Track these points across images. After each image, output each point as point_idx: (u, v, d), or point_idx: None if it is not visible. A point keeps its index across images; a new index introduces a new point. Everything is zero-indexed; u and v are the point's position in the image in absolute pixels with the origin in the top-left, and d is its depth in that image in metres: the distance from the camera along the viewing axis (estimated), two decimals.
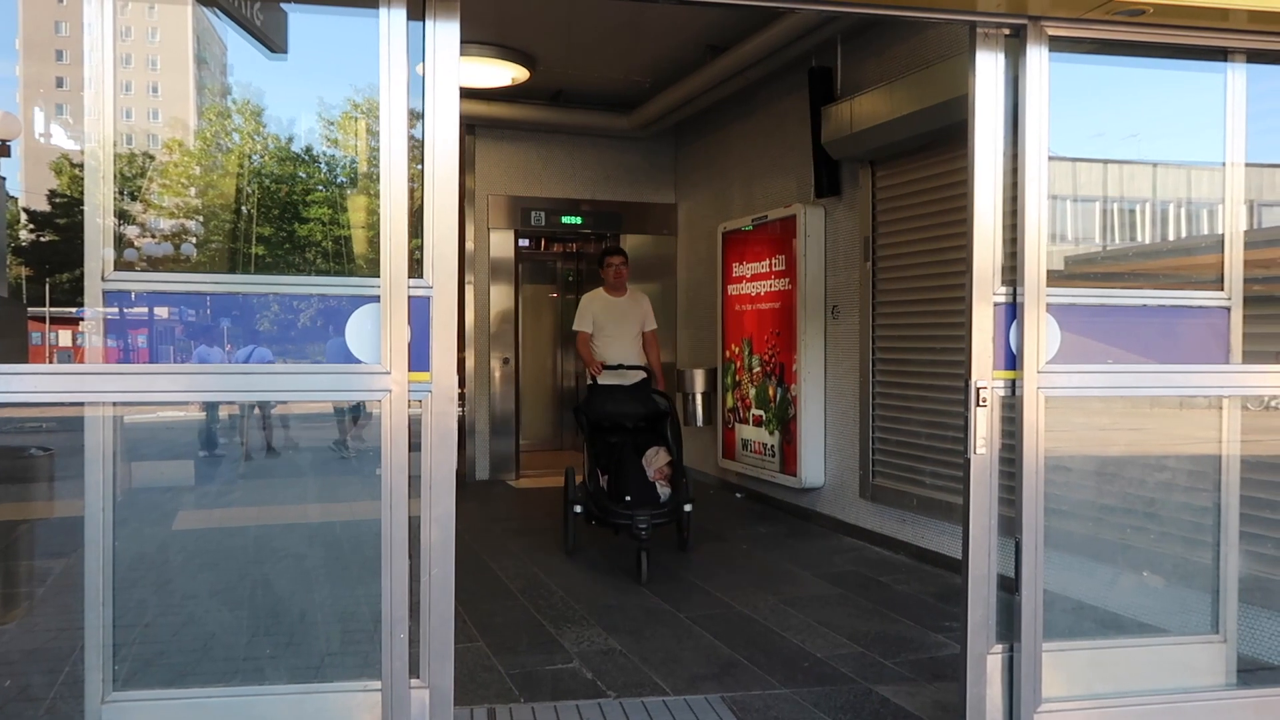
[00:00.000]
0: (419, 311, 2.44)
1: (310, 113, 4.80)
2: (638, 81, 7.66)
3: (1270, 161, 3.89)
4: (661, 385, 6.26)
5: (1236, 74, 3.20)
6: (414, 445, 2.48)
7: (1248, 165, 3.26)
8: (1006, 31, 2.86)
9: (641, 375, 6.16)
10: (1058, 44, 2.90)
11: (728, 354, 7.68)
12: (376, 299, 2.42)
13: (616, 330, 6.13)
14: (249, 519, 3.69)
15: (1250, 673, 3.19)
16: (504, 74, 7.17)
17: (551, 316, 10.91)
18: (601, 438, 5.97)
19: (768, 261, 7.11)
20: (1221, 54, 3.16)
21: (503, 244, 8.82)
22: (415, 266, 2.47)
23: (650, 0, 4.67)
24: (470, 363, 8.71)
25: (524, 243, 9.46)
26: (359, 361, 2.44)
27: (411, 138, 2.50)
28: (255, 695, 2.48)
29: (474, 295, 8.72)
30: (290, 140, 5.36)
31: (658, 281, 9.02)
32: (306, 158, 5.37)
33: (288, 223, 5.18)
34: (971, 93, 2.88)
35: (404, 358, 2.41)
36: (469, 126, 8.40)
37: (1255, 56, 3.17)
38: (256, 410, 4.80)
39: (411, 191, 2.46)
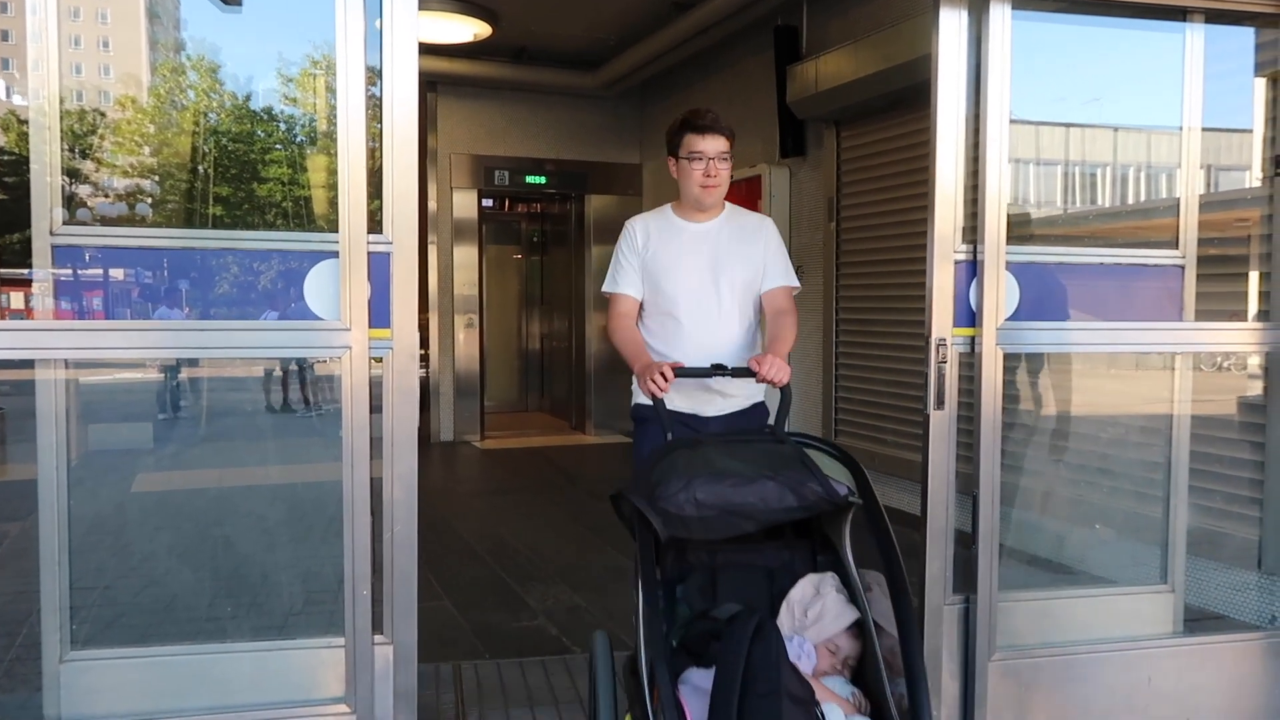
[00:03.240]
0: (379, 268, 2.41)
1: (268, 69, 4.69)
2: (602, 39, 7.56)
3: (1226, 125, 3.94)
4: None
5: (1195, 34, 3.22)
6: (375, 404, 2.46)
7: (1204, 130, 3.29)
8: None
9: (752, 390, 2.83)
10: (1021, 1, 2.89)
11: None
12: (335, 255, 2.38)
13: (699, 294, 2.77)
14: (210, 480, 3.66)
15: (1196, 622, 3.29)
16: (465, 30, 7.05)
17: (516, 277, 10.84)
18: (681, 560, 2.22)
19: None
20: (1181, 13, 3.17)
21: (466, 204, 8.73)
22: (375, 223, 2.43)
23: None
24: (434, 323, 8.65)
25: (488, 203, 9.36)
26: (318, 318, 2.41)
27: (371, 94, 2.46)
28: (217, 653, 2.47)
29: (437, 256, 8.63)
30: (248, 98, 5.24)
31: None
32: (265, 116, 5.25)
33: (246, 182, 5.07)
34: (934, 51, 2.88)
35: (364, 314, 2.38)
36: (430, 84, 8.27)
37: (1214, 16, 3.19)
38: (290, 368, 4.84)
39: (371, 150, 2.41)
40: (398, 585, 2.48)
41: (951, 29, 2.86)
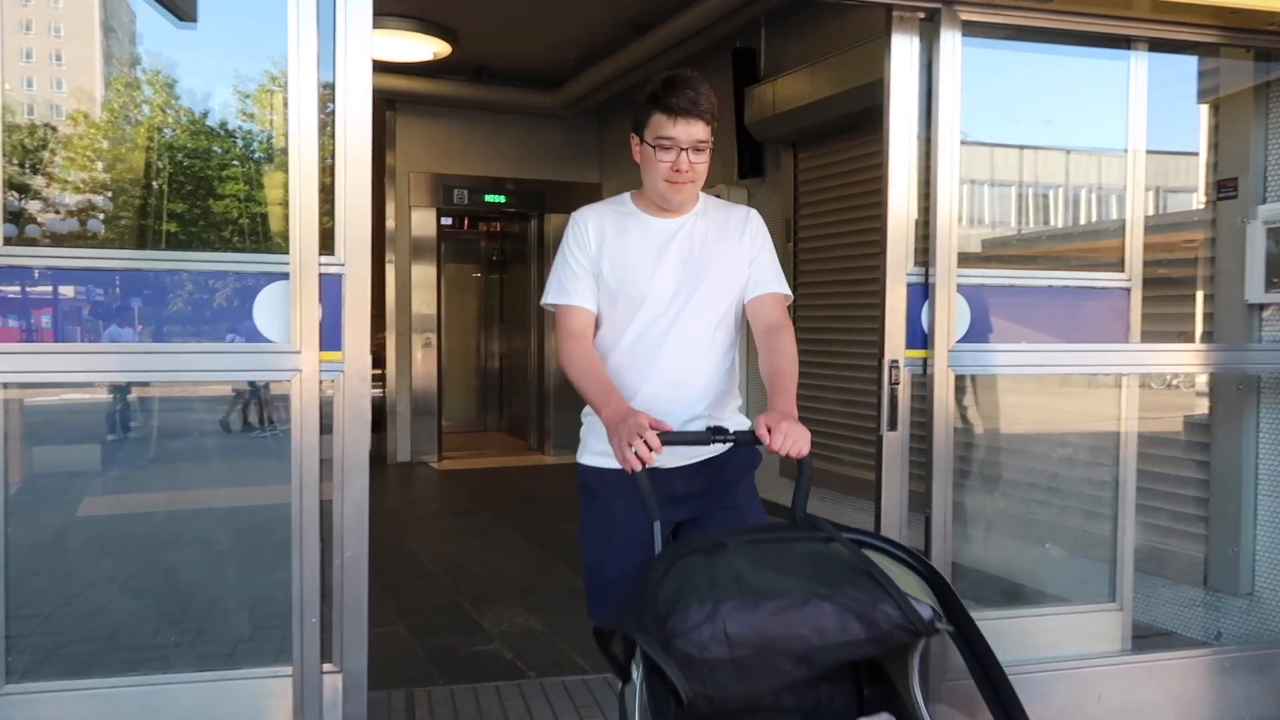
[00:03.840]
0: (330, 289, 2.38)
1: (225, 85, 4.63)
2: (562, 59, 7.58)
3: (1175, 148, 4.04)
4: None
5: (1139, 62, 3.30)
6: (326, 427, 2.42)
7: (1154, 153, 3.38)
8: (921, 15, 2.90)
9: (736, 423, 2.18)
10: (971, 28, 2.95)
11: None
12: (286, 276, 2.35)
13: (669, 308, 2.14)
14: (160, 504, 3.57)
15: (1144, 639, 3.34)
16: (424, 48, 7.03)
17: (475, 296, 10.79)
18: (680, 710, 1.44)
19: None
20: (1126, 42, 3.25)
21: (425, 222, 8.68)
22: (327, 244, 2.41)
23: None
24: (391, 342, 8.57)
25: (447, 221, 9.32)
26: (268, 340, 2.37)
27: (325, 113, 2.43)
28: (161, 684, 2.41)
29: (395, 274, 8.56)
30: (205, 114, 5.17)
31: None
32: (221, 131, 5.18)
33: (202, 199, 5.00)
34: (887, 76, 2.92)
35: (315, 336, 2.35)
36: (389, 102, 8.23)
37: (1157, 45, 3.28)
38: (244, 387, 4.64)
39: (323, 167, 2.39)
40: (348, 612, 2.44)
41: (904, 55, 2.91)
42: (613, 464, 1.92)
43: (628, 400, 1.96)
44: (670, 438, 1.84)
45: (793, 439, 1.80)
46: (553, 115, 8.63)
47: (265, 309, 2.37)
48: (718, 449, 2.08)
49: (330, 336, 2.38)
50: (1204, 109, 3.96)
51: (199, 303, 2.56)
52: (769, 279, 2.20)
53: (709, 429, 1.92)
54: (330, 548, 2.44)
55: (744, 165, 6.44)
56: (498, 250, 10.79)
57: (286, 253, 2.36)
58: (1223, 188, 3.79)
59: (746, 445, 1.91)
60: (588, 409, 2.11)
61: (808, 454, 1.83)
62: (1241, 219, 3.64)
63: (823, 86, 5.47)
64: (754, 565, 1.53)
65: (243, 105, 4.87)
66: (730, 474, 2.14)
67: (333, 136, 2.43)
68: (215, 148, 5.18)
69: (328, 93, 2.45)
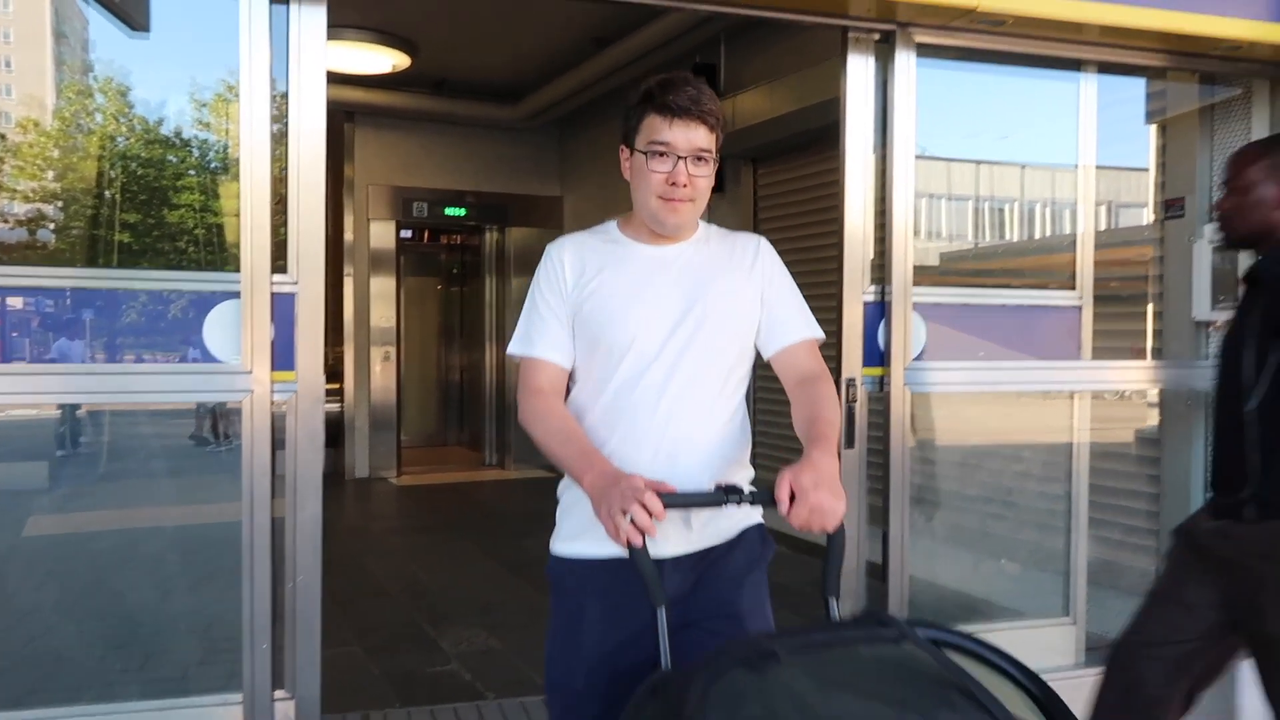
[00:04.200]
0: (283, 308, 2.35)
1: (180, 94, 4.57)
2: (523, 73, 7.57)
3: (1128, 164, 4.13)
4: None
5: (1089, 83, 3.37)
6: (280, 442, 2.39)
7: (1108, 169, 3.44)
8: (877, 37, 2.93)
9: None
10: (925, 50, 2.99)
11: None
12: (237, 295, 2.32)
13: (665, 357, 1.73)
14: (111, 522, 3.49)
15: (1097, 650, 3.38)
16: (384, 60, 6.98)
17: (436, 309, 10.71)
18: None
19: None
20: (1076, 64, 3.32)
21: (384, 235, 8.61)
22: (280, 261, 2.37)
23: None
24: (349, 356, 8.47)
25: (407, 234, 9.25)
26: (218, 361, 2.33)
27: (278, 125, 2.40)
28: (104, 714, 2.34)
29: (353, 287, 8.48)
30: (160, 122, 5.08)
31: None
32: (177, 140, 5.10)
33: (156, 209, 4.91)
34: (843, 95, 2.95)
35: (266, 356, 2.31)
36: (348, 114, 8.16)
37: (1106, 68, 3.34)
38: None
39: (277, 182, 2.36)
40: (301, 638, 2.40)
41: (859, 74, 2.94)
42: (585, 551, 1.67)
43: (644, 483, 1.48)
44: (674, 499, 1.50)
45: (820, 511, 1.42)
46: (513, 128, 8.61)
47: (216, 329, 2.33)
48: (720, 534, 1.72)
49: (283, 356, 2.35)
50: (1152, 129, 4.05)
51: (148, 321, 2.51)
52: (797, 323, 1.81)
53: (720, 487, 1.56)
54: (283, 571, 2.39)
55: None
56: (458, 263, 10.74)
57: (239, 270, 2.32)
58: (1170, 207, 3.88)
59: (764, 505, 1.54)
60: (564, 484, 1.74)
61: (839, 529, 1.46)
62: (1189, 238, 3.72)
63: (781, 103, 5.51)
64: (819, 684, 1.14)
65: (199, 114, 4.80)
66: (733, 570, 1.72)
67: (287, 152, 2.39)
68: (170, 157, 5.10)
69: (282, 107, 2.42)
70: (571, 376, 1.77)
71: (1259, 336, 2.01)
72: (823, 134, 5.33)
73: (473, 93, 8.19)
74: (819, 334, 1.83)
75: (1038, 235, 5.06)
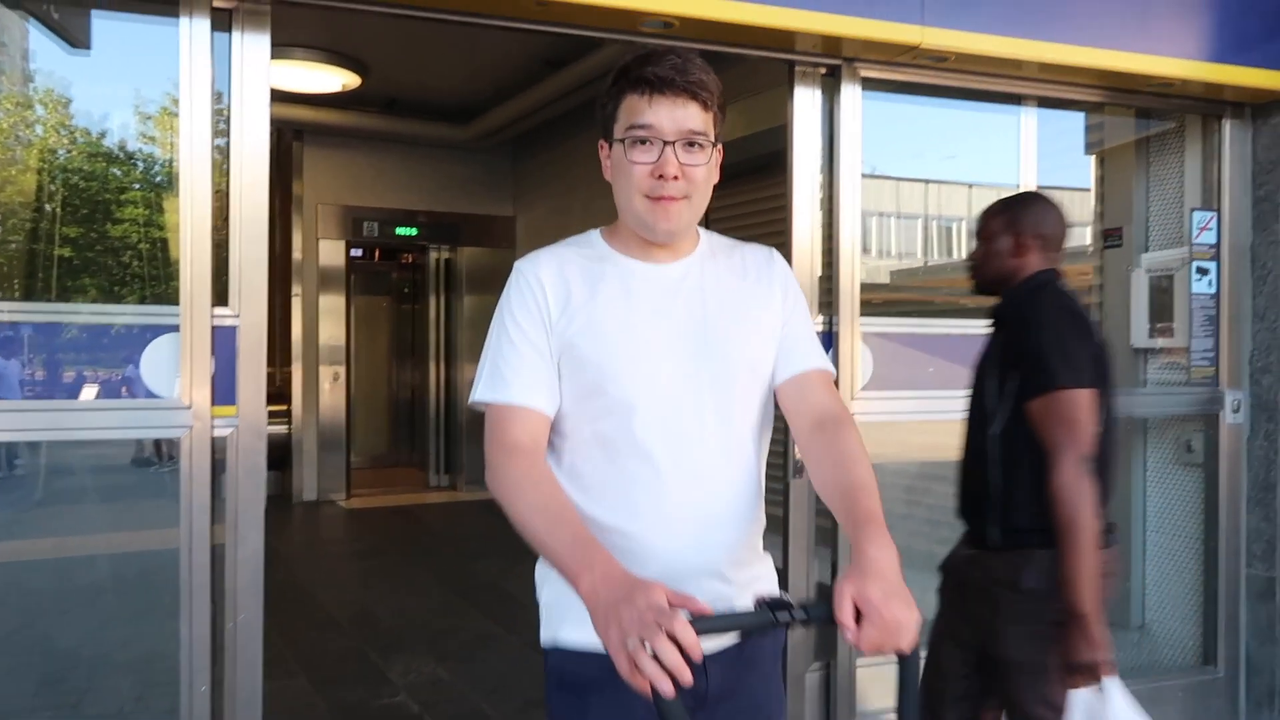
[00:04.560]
0: (223, 342, 2.30)
1: (123, 108, 4.48)
2: (475, 93, 7.55)
3: (1063, 186, 4.22)
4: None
5: (1029, 117, 3.44)
6: (220, 478, 2.33)
7: (1045, 189, 3.52)
8: (823, 71, 2.97)
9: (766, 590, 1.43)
10: (870, 84, 3.04)
11: None
12: (175, 328, 2.27)
13: (671, 400, 1.39)
14: (46, 550, 3.39)
15: None
16: (333, 79, 6.91)
17: (387, 328, 10.60)
18: None
19: None
20: (1017, 99, 3.39)
21: (333, 254, 8.51)
22: (221, 294, 2.33)
23: (460, 23, 3.54)
24: (298, 376, 8.34)
25: (357, 253, 9.16)
26: (157, 396, 2.28)
27: (220, 153, 2.37)
28: None
29: (301, 307, 8.36)
30: (103, 135, 4.98)
31: (497, 292, 8.90)
32: (120, 154, 5.00)
33: (99, 223, 4.81)
34: (790, 126, 2.99)
35: (206, 391, 2.26)
36: (297, 132, 8.07)
37: (1045, 102, 3.42)
38: None
39: (217, 215, 2.32)
40: (242, 675, 2.34)
41: (806, 107, 2.98)
42: (587, 643, 1.24)
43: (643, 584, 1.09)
44: (710, 623, 1.12)
45: (894, 630, 1.10)
46: (466, 148, 8.58)
47: (154, 363, 2.28)
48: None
49: (224, 390, 2.30)
50: (1092, 159, 4.16)
51: (84, 355, 2.44)
52: (809, 349, 1.48)
53: (765, 603, 1.18)
54: (223, 609, 2.34)
55: None
56: (410, 282, 10.64)
57: (178, 302, 2.27)
58: (1108, 236, 3.97)
59: (821, 623, 1.17)
60: (543, 572, 1.43)
61: (913, 649, 1.15)
62: (1127, 266, 3.81)
63: (734, 127, 5.51)
64: None
65: (143, 127, 4.72)
66: (765, 660, 1.48)
67: (229, 183, 2.35)
68: (114, 170, 4.99)
69: (225, 135, 2.38)
70: (553, 436, 1.40)
71: (1000, 367, 2.19)
72: (772, 160, 5.38)
73: (424, 112, 8.14)
74: (831, 366, 1.50)
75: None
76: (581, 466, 1.39)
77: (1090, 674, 1.93)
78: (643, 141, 1.35)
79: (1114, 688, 1.94)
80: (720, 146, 1.42)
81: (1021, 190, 2.24)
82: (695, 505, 1.37)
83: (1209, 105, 3.53)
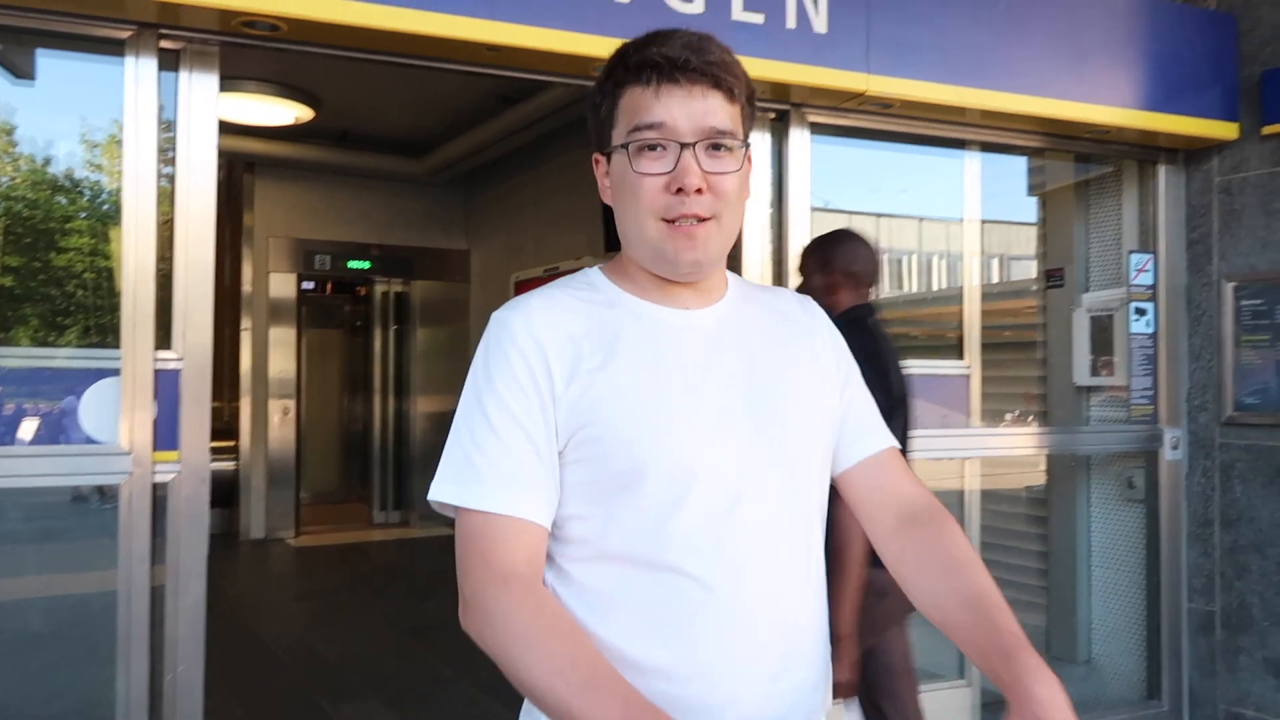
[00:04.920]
0: (166, 385, 2.26)
1: (69, 138, 4.42)
2: (428, 128, 7.55)
3: (1011, 221, 4.32)
4: None
5: (973, 161, 3.53)
6: (160, 526, 2.28)
7: (994, 224, 3.60)
8: (772, 115, 3.02)
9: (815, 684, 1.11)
10: (819, 128, 3.10)
11: None
12: (117, 372, 2.22)
13: (720, 496, 1.03)
14: None
15: (992, 705, 3.46)
16: (286, 113, 6.87)
17: (338, 361, 10.47)
18: None
19: None
20: (960, 144, 3.48)
21: (284, 286, 8.41)
22: (164, 336, 2.29)
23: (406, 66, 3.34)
24: (246, 411, 8.19)
25: (309, 285, 9.07)
26: (97, 442, 2.22)
27: (165, 185, 2.34)
28: None
29: (251, 341, 8.24)
30: (48, 162, 4.89)
31: (450, 326, 8.88)
32: (67, 182, 4.91)
33: (41, 252, 4.71)
34: None
35: (148, 436, 2.22)
36: (248, 164, 7.99)
37: (988, 147, 3.51)
38: None
39: (161, 259, 2.29)
40: None
41: (756, 154, 3.01)
42: None
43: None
44: None
45: None
46: (419, 181, 8.55)
47: (93, 407, 2.23)
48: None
49: (166, 435, 2.25)
50: (1035, 200, 4.27)
51: (21, 399, 2.38)
52: (876, 422, 1.22)
53: None
54: (162, 660, 2.28)
55: (610, 238, 6.51)
56: (362, 315, 10.55)
57: (119, 346, 2.23)
58: (1051, 276, 4.07)
59: None
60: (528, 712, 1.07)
61: None
62: (1069, 306, 3.91)
63: None
64: None
65: (90, 155, 4.65)
66: None
67: (174, 226, 2.33)
68: (59, 199, 4.90)
69: (173, 163, 2.36)
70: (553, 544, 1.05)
71: None
72: None
73: (378, 145, 8.12)
74: (890, 442, 1.21)
75: (935, 287, 5.25)
76: (600, 585, 1.02)
77: (842, 691, 2.10)
78: (652, 147, 1.03)
79: (854, 712, 2.14)
80: (750, 151, 1.10)
81: (837, 229, 2.36)
82: (770, 633, 1.03)
83: (1144, 151, 3.65)
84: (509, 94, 6.67)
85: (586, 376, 1.03)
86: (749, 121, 1.10)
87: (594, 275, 1.15)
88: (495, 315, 1.08)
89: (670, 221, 1.04)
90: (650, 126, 1.03)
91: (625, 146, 1.05)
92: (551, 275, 7.13)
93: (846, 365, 1.23)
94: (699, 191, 1.03)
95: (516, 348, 1.03)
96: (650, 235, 1.05)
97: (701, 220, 1.04)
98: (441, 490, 1.03)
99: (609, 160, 1.11)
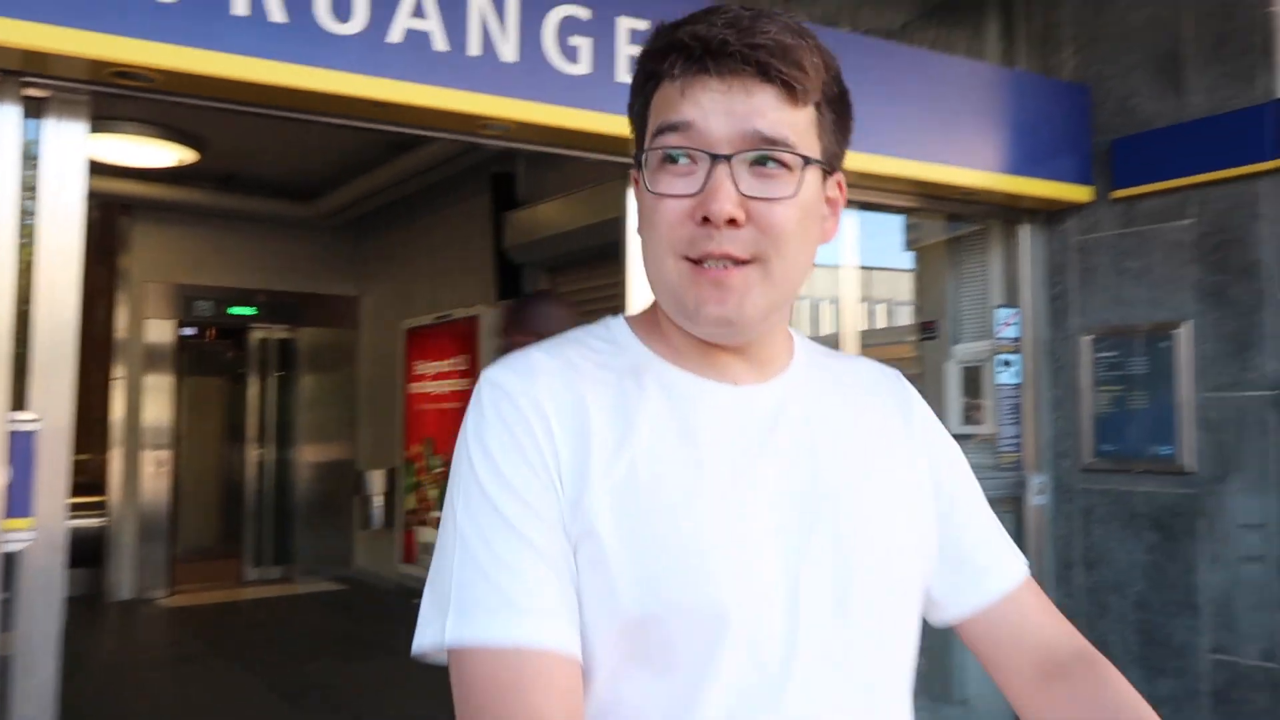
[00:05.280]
0: (21, 448, 2.14)
1: None
2: (316, 173, 7.43)
3: (893, 267, 4.49)
4: None
5: (850, 218, 3.67)
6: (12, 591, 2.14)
7: (876, 270, 3.73)
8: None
9: None
10: None
11: (409, 454, 7.48)
12: None
13: (779, 629, 0.77)
14: None
15: None
16: (168, 155, 6.65)
17: (219, 411, 10.07)
18: None
19: (451, 360, 7.07)
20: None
21: (161, 333, 8.08)
22: (19, 393, 2.17)
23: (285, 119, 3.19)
24: (116, 463, 7.80)
25: (190, 331, 8.73)
26: None
27: (25, 244, 2.23)
28: None
29: (125, 389, 7.87)
30: None
31: (338, 373, 8.68)
32: None
33: None
34: (624, 218, 3.11)
35: None
36: (124, 207, 7.69)
37: (866, 206, 3.65)
38: None
39: (19, 314, 2.17)
40: None
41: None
42: None
43: None
44: None
45: None
46: (307, 226, 8.39)
47: None
48: None
49: (19, 502, 2.12)
50: (912, 255, 4.46)
51: None
52: (1003, 546, 0.97)
53: None
54: None
55: (503, 287, 6.50)
56: (244, 362, 10.19)
57: None
58: (925, 329, 4.25)
59: None
60: None
61: None
62: (941, 357, 4.08)
63: (577, 216, 5.68)
64: None
65: None
66: None
67: (31, 278, 2.22)
68: None
69: (30, 227, 2.25)
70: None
71: None
72: (613, 247, 5.52)
73: (264, 189, 7.93)
74: (1023, 571, 0.97)
75: (823, 331, 5.41)
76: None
77: None
78: (674, 159, 0.78)
79: None
80: (840, 174, 0.85)
81: (536, 290, 2.57)
82: None
83: (1009, 212, 3.86)
84: (398, 141, 6.63)
85: (600, 460, 0.77)
86: (829, 132, 0.81)
87: (616, 327, 0.88)
88: (487, 374, 0.82)
89: (695, 262, 0.77)
90: (673, 128, 0.77)
91: (644, 157, 0.79)
92: (444, 323, 7.08)
93: (951, 468, 0.95)
94: (733, 223, 0.75)
95: (518, 414, 0.78)
96: (669, 278, 0.79)
97: (739, 263, 0.77)
98: (422, 638, 0.78)
99: (642, 176, 0.81)
